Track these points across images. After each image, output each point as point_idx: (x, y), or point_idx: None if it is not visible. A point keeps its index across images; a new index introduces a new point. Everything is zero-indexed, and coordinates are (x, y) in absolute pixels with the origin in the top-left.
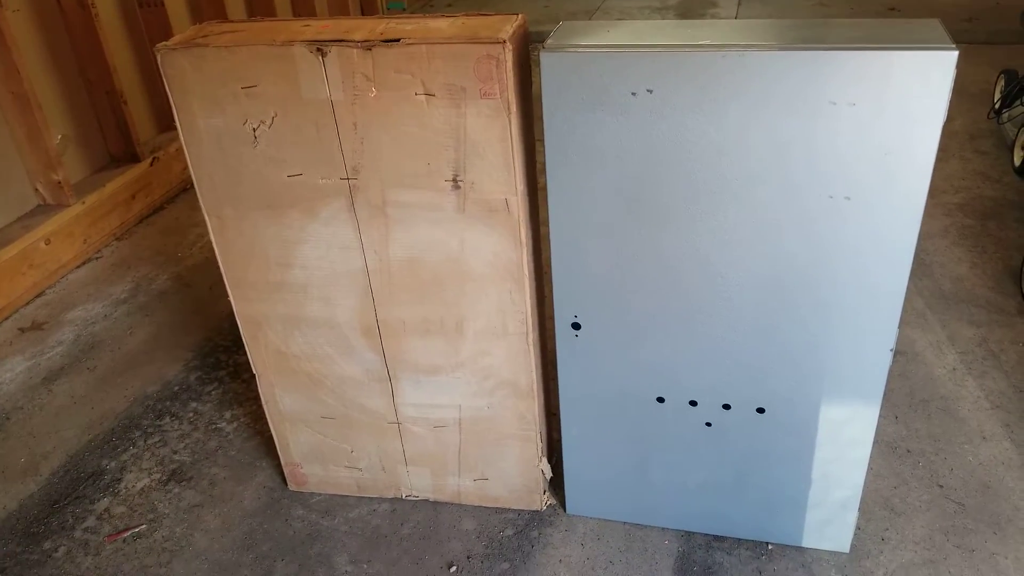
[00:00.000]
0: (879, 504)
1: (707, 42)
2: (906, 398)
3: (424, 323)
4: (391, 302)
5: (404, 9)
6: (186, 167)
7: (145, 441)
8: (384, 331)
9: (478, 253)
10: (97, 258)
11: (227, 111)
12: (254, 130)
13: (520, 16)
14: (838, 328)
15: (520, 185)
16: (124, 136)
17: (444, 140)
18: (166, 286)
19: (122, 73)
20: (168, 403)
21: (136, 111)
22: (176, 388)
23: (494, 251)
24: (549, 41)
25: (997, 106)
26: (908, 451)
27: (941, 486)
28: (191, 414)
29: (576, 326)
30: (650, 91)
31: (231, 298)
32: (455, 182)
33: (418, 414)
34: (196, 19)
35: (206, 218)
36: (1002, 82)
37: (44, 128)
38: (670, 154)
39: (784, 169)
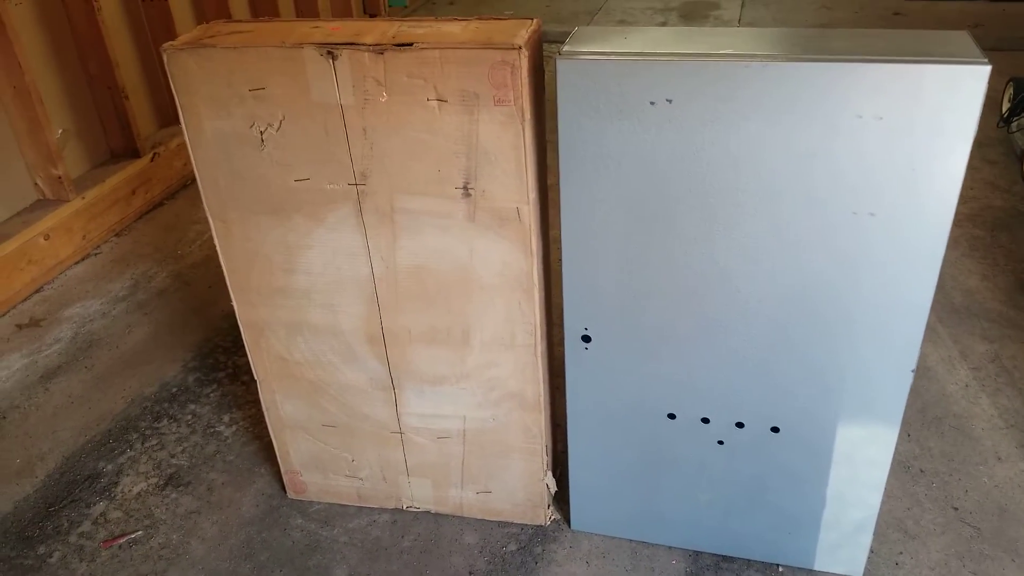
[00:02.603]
0: (892, 526)
1: (729, 51)
2: (919, 415)
3: (430, 332)
4: (397, 310)
5: (406, 7)
6: (187, 163)
7: (142, 444)
8: (389, 339)
9: (487, 262)
10: (96, 254)
11: (234, 113)
12: (261, 133)
13: (535, 21)
14: (859, 346)
15: (532, 194)
16: (125, 131)
17: (455, 147)
18: (165, 284)
19: (124, 68)
20: (166, 405)
21: (137, 106)
22: (174, 389)
23: (504, 261)
24: (565, 48)
25: (1006, 115)
26: (922, 471)
27: (956, 508)
28: (189, 417)
29: (586, 339)
30: (669, 100)
31: (234, 303)
32: (466, 190)
33: (421, 424)
34: (199, 15)
35: (210, 221)
36: (1010, 90)
37: (45, 122)
38: (688, 165)
39: (806, 183)
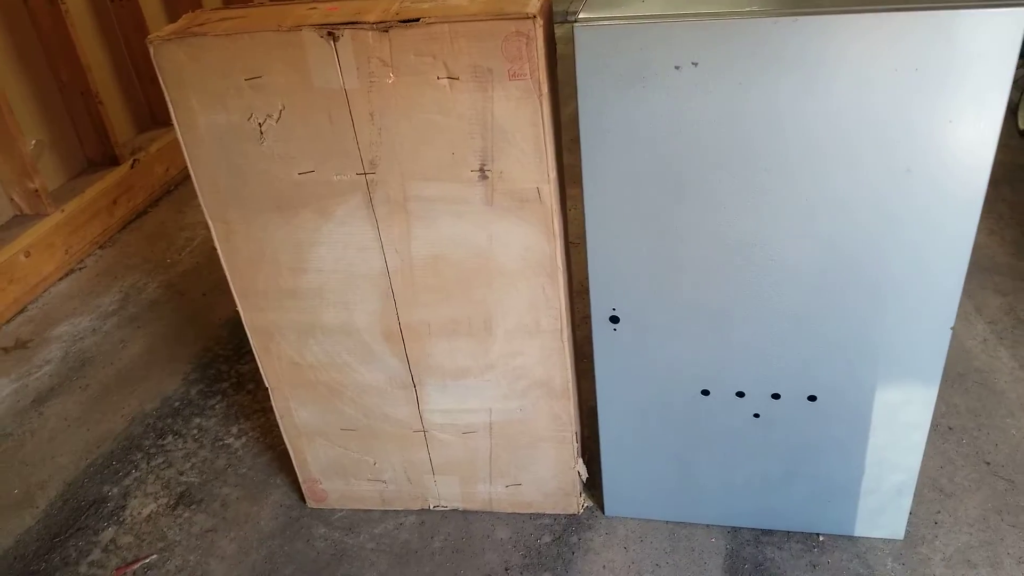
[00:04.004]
0: (927, 486)
1: (754, 7)
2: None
3: (450, 324)
4: (414, 304)
5: None
6: (169, 168)
7: (148, 463)
8: (407, 335)
9: (508, 247)
10: (81, 269)
11: (229, 106)
12: (260, 125)
13: None
14: (896, 307)
15: (552, 172)
16: (101, 138)
17: (470, 127)
18: (157, 295)
19: (96, 72)
20: (169, 420)
21: (113, 111)
22: (177, 404)
23: (525, 244)
24: (582, 14)
25: None
26: (950, 428)
27: (988, 463)
28: (195, 431)
29: (615, 319)
30: (695, 64)
31: (239, 308)
32: (482, 172)
33: (445, 420)
34: (171, 12)
35: (209, 224)
36: None
37: (17, 134)
38: (717, 131)
39: (841, 142)
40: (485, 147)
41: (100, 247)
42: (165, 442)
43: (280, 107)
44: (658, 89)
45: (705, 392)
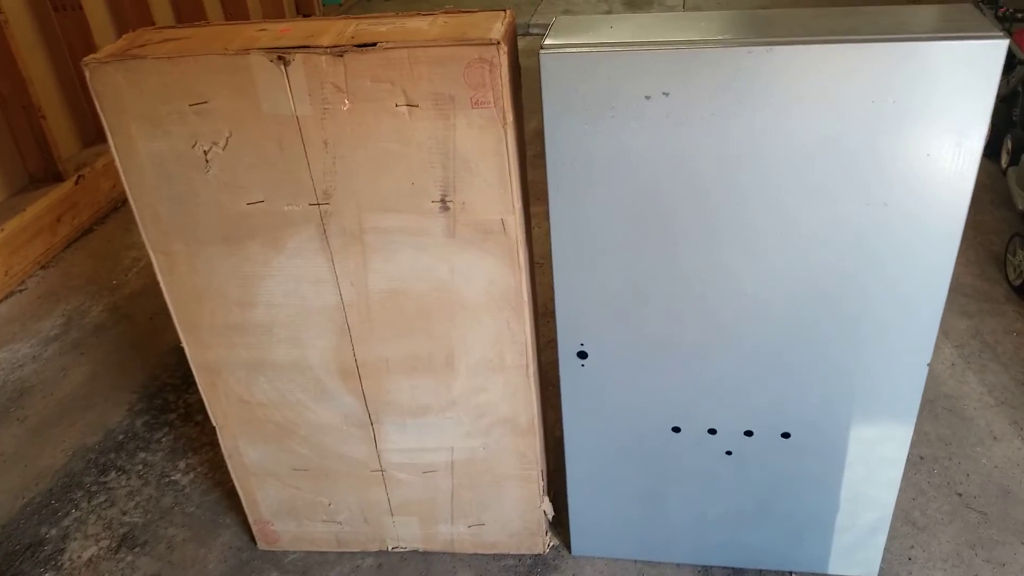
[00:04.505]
0: (900, 519)
1: (726, 36)
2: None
3: (410, 360)
4: (371, 339)
5: (340, 5)
6: (116, 183)
7: (89, 502)
8: (364, 372)
9: (471, 280)
10: (21, 291)
11: (172, 132)
12: (205, 153)
13: (508, 12)
14: (873, 342)
15: (518, 203)
16: (44, 154)
17: (430, 156)
18: (101, 319)
19: (39, 85)
20: (112, 455)
21: (56, 126)
22: (121, 437)
23: (489, 278)
24: (548, 40)
25: None
26: (921, 458)
27: (960, 495)
28: (140, 466)
29: (582, 355)
30: (666, 94)
31: (184, 344)
32: (444, 203)
33: (404, 460)
34: (119, 24)
35: (151, 256)
36: None
37: None
38: (689, 162)
39: (816, 174)
40: (447, 177)
41: (42, 267)
42: (108, 479)
43: (227, 134)
44: (628, 120)
45: (676, 429)
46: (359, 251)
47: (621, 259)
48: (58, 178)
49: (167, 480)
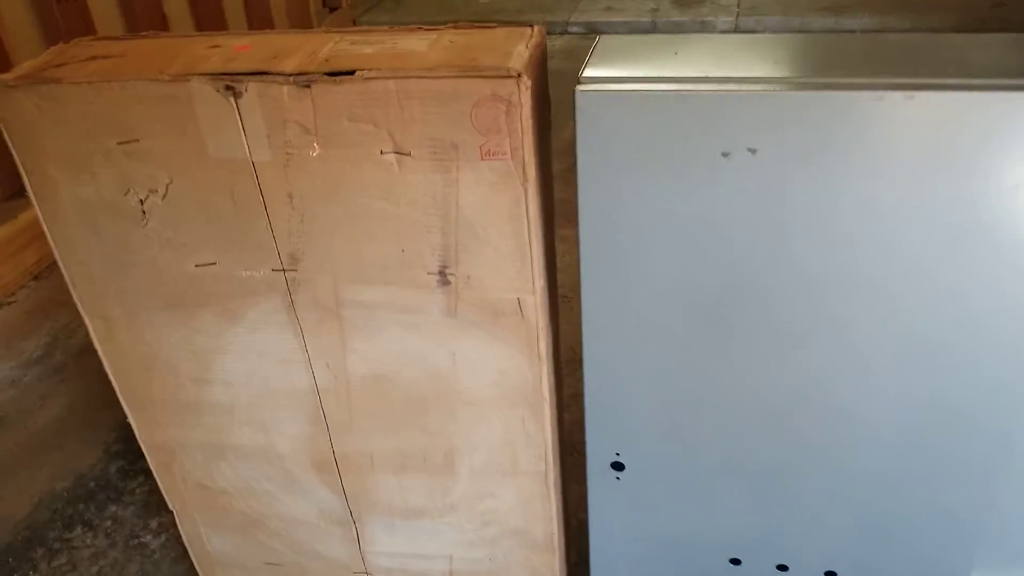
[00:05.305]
0: None
1: (839, 72)
2: None
3: (399, 457)
4: (352, 430)
5: None
6: None
7: (48, 564)
8: (343, 466)
9: (475, 370)
10: (10, 303)
11: (99, 176)
12: (142, 202)
13: (536, 29)
14: (1008, 480)
15: (539, 280)
16: None
17: (426, 218)
18: (87, 341)
19: None
20: (81, 506)
21: None
22: (92, 485)
23: (500, 368)
24: (588, 71)
25: None
26: None
27: None
28: (109, 522)
29: (618, 466)
30: (752, 150)
31: (131, 421)
32: (443, 275)
33: (394, 564)
34: (128, 16)
35: (86, 321)
36: None
37: None
38: (775, 240)
39: (955, 262)
40: (447, 244)
41: (35, 278)
42: (72, 535)
43: (167, 181)
44: (697, 184)
45: (735, 561)
46: (335, 327)
47: (670, 355)
48: None
49: (136, 542)
